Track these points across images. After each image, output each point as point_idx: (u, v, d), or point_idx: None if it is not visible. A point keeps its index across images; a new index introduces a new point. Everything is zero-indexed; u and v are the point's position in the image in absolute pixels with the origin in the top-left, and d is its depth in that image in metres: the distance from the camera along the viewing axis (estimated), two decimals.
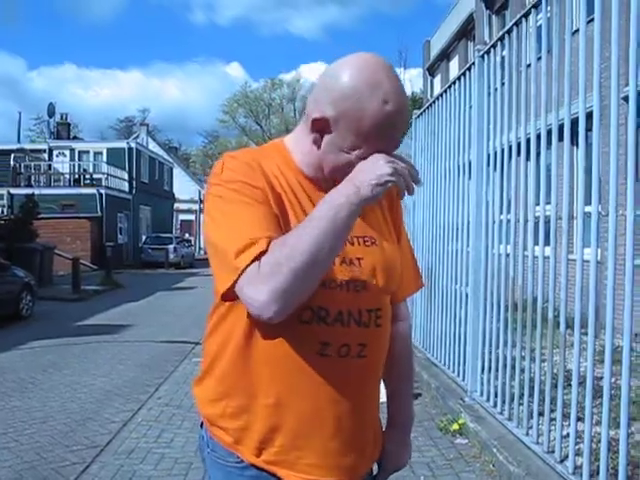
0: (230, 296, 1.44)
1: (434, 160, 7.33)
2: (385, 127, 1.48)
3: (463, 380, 6.04)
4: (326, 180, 1.58)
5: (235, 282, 1.39)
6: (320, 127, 1.52)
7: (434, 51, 26.72)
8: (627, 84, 3.56)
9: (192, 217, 52.54)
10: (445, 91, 6.83)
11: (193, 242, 44.82)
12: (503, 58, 5.07)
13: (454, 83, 6.45)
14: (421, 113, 8.01)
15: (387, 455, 1.85)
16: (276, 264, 1.35)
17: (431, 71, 27.91)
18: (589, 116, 3.57)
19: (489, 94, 5.41)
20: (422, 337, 7.83)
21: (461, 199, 6.26)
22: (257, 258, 1.37)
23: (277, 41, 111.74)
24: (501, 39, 5.04)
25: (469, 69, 5.92)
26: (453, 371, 6.44)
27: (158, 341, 10.09)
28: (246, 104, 68.88)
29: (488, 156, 5.40)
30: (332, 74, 1.52)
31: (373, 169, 1.41)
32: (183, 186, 49.44)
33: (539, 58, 4.32)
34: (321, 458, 1.58)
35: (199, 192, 52.55)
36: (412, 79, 40.15)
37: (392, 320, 1.77)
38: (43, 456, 5.05)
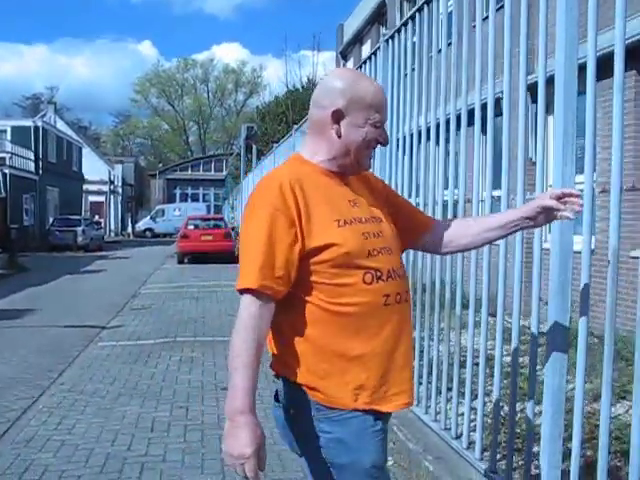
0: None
1: None
2: (379, 98, 2.10)
3: None
4: (352, 165, 2.12)
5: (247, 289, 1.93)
6: (338, 116, 2.06)
7: (347, 35, 26.77)
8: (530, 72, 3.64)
9: (102, 198, 51.10)
10: None
11: (103, 224, 43.75)
12: (414, 44, 5.06)
13: (360, 68, 6.38)
14: None
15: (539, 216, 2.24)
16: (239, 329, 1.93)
17: (344, 55, 27.96)
18: (497, 102, 3.61)
19: (398, 79, 5.37)
20: None
21: None
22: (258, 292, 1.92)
23: (190, 20, 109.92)
24: (405, 24, 5.00)
25: (374, 54, 5.84)
26: None
27: (63, 325, 9.78)
28: (159, 84, 67.66)
29: (397, 140, 5.40)
30: (327, 82, 2.14)
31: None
32: (93, 167, 47.92)
33: (449, 44, 4.34)
34: (399, 386, 2.08)
35: (109, 173, 51.25)
36: (325, 62, 40.27)
37: (432, 229, 2.38)
38: None
